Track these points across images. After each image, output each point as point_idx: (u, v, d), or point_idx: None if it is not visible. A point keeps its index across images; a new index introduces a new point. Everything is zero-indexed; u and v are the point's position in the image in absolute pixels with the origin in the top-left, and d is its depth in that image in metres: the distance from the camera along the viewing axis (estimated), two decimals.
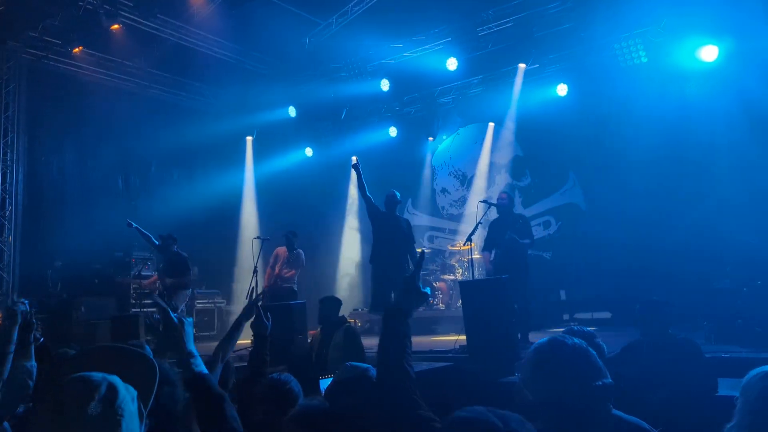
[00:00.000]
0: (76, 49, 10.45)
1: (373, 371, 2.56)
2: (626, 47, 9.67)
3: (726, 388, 4.33)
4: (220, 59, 11.53)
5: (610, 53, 9.83)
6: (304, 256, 9.69)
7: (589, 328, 2.58)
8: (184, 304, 9.21)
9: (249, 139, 13.41)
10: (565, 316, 10.31)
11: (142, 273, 10.40)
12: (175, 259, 9.14)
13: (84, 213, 11.06)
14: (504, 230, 7.61)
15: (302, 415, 2.36)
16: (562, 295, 10.70)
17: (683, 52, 9.20)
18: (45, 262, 10.35)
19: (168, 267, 9.26)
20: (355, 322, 10.44)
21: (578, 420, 1.53)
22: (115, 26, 9.83)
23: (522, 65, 10.54)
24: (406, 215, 13.48)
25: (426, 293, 1.90)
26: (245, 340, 9.06)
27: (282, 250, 9.63)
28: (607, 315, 9.93)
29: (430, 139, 12.93)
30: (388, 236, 7.77)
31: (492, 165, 12.58)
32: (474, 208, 12.24)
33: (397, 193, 8.14)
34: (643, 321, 4.44)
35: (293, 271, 9.54)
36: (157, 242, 9.33)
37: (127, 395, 1.47)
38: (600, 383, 1.59)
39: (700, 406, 3.97)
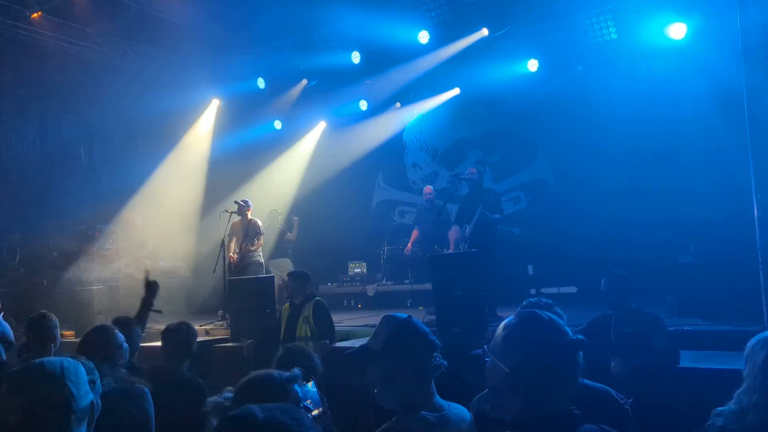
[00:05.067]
0: (35, 14, 10.02)
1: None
2: (597, 23, 9.67)
3: (688, 360, 4.44)
4: (187, 28, 11.17)
5: (581, 29, 9.83)
6: (260, 224, 9.50)
7: (547, 299, 2.66)
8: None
9: (216, 104, 13.02)
10: (532, 291, 10.42)
11: (106, 246, 10.19)
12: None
13: (45, 185, 10.76)
14: (475, 205, 7.64)
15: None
16: (530, 269, 10.84)
17: (653, 29, 9.22)
18: (2, 235, 10.06)
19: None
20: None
21: (549, 383, 1.56)
22: None
23: (485, 30, 10.41)
24: (376, 190, 13.48)
25: None
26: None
27: (237, 222, 9.38)
28: (573, 290, 10.10)
29: (398, 105, 12.81)
30: (424, 225, 9.86)
31: (463, 140, 12.58)
32: (444, 183, 12.30)
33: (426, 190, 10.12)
34: (607, 293, 4.52)
35: (256, 243, 9.30)
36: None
37: None
38: (569, 338, 1.62)
39: (664, 377, 4.06)
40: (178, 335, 4.01)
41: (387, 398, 2.10)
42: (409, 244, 10.38)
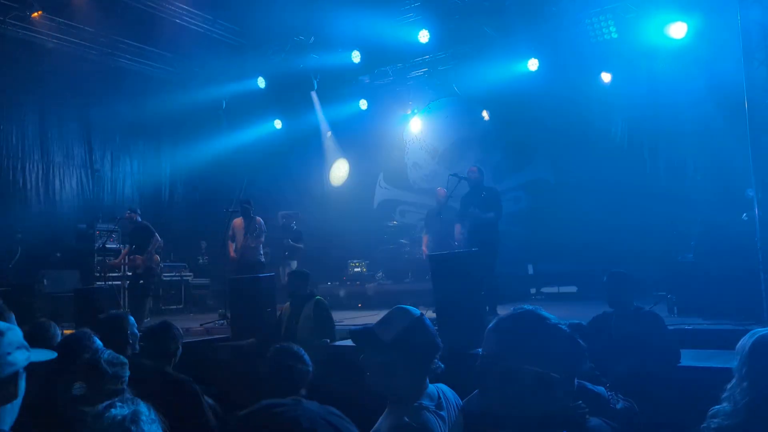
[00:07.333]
0: (36, 14, 10.03)
1: None
2: (597, 23, 9.66)
3: (688, 358, 4.44)
4: (188, 28, 11.18)
5: (581, 29, 9.83)
6: (263, 223, 9.45)
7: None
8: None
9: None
10: (533, 290, 10.43)
11: (107, 245, 10.18)
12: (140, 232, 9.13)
13: (45, 184, 10.77)
14: (473, 204, 7.63)
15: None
16: (530, 269, 10.81)
17: (653, 28, 9.22)
18: (4, 234, 10.06)
19: (134, 239, 9.20)
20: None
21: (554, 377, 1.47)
22: None
23: (494, 38, 10.46)
24: (377, 189, 13.48)
25: None
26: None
27: (238, 221, 9.35)
28: (573, 289, 10.09)
29: (408, 112, 12.83)
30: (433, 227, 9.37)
31: (463, 139, 12.57)
32: (445, 183, 12.25)
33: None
34: (609, 292, 4.51)
35: (257, 241, 9.29)
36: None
37: None
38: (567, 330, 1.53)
39: (664, 376, 4.06)
40: (158, 335, 3.89)
41: (380, 386, 2.09)
42: (424, 248, 9.92)
